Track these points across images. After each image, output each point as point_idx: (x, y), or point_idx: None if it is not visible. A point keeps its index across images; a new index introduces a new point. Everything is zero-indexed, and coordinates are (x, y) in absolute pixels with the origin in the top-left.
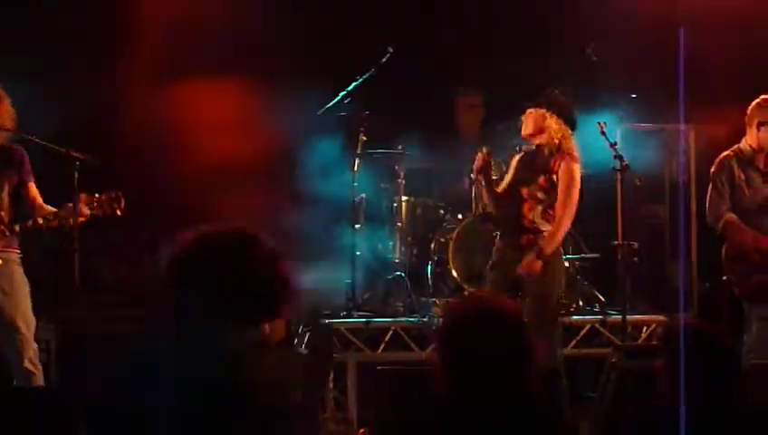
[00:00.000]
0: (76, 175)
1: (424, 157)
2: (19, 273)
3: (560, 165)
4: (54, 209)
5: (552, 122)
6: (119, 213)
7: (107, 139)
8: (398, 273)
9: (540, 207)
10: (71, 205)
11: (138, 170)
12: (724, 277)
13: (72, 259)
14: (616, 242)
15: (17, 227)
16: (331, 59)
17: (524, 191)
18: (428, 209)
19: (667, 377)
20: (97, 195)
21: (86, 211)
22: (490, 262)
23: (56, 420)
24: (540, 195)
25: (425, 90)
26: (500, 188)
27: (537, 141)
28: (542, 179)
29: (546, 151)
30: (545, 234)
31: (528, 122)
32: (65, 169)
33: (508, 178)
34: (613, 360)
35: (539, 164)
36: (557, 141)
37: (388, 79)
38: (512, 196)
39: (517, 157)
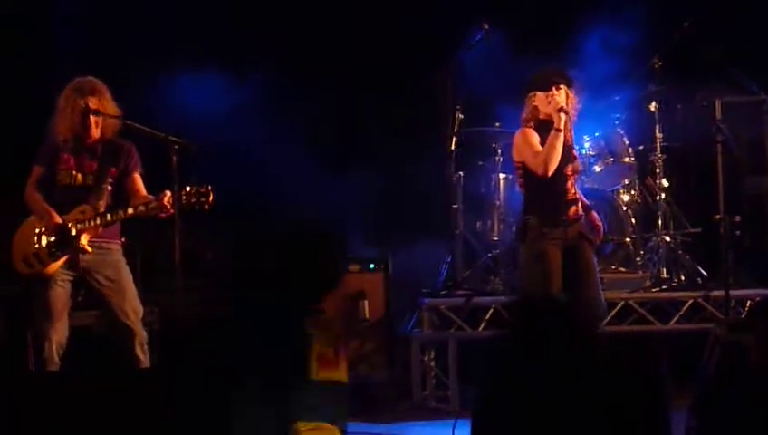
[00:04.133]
0: (174, 159)
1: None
2: (123, 261)
3: None
4: (151, 198)
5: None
6: (206, 208)
7: None
8: (497, 251)
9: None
10: (161, 196)
11: None
12: None
13: (172, 245)
14: (718, 216)
15: (108, 216)
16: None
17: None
18: None
19: (761, 351)
20: (188, 188)
21: (169, 208)
22: None
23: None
24: None
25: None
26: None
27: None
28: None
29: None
30: None
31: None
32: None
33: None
34: (716, 334)
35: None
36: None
37: (483, 56)
38: None
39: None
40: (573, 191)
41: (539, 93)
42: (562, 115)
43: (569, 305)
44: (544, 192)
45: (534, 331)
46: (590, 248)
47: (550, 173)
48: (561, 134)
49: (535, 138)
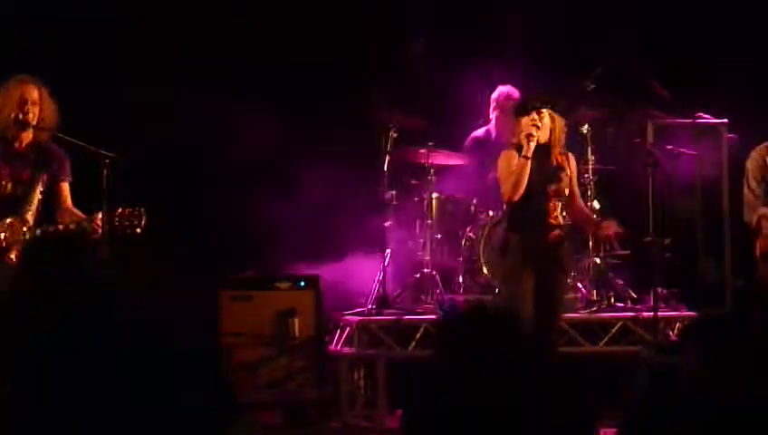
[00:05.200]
0: (105, 174)
1: (455, 153)
2: None
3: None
4: (82, 216)
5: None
6: (138, 232)
7: None
8: (429, 270)
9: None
10: (93, 217)
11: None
12: (758, 273)
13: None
14: (647, 238)
15: (38, 232)
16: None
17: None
18: (459, 206)
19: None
20: (119, 209)
21: (99, 230)
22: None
23: None
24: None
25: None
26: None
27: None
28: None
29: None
30: None
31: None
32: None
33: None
34: (644, 356)
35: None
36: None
37: (417, 74)
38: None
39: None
40: (556, 214)
41: (523, 118)
42: (532, 142)
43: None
44: (526, 212)
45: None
46: (564, 278)
47: (515, 198)
48: (528, 161)
49: (514, 161)
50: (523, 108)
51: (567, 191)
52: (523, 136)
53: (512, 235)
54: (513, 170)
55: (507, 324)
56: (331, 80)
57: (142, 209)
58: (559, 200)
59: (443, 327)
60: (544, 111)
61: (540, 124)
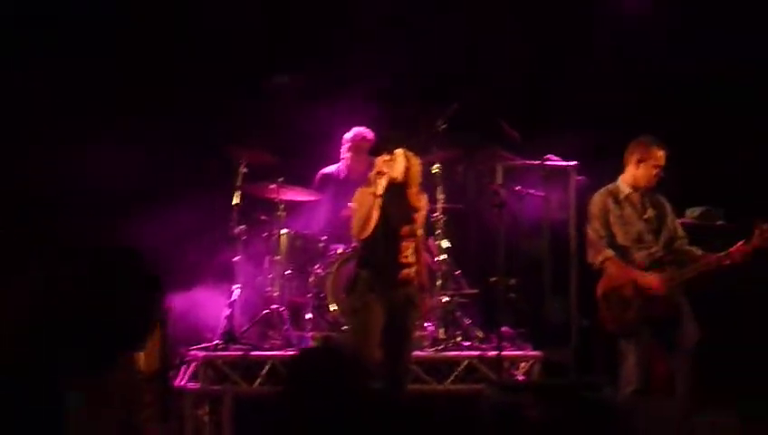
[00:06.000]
0: None
1: (305, 189)
2: None
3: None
4: None
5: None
6: None
7: None
8: (277, 306)
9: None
10: None
11: None
12: (600, 313)
13: None
14: (493, 278)
15: None
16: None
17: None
18: (308, 242)
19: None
20: None
21: None
22: None
23: None
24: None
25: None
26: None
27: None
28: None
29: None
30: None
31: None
32: None
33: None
34: (488, 395)
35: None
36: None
37: (269, 111)
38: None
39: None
40: (407, 254)
41: (378, 157)
42: (382, 180)
43: (354, 361)
44: (378, 250)
45: (311, 386)
46: (415, 316)
47: (362, 236)
48: (379, 199)
49: (366, 198)
50: (378, 147)
51: (420, 232)
52: (374, 174)
53: (361, 271)
54: (363, 207)
55: (353, 362)
56: (185, 114)
57: None
58: (411, 240)
59: (291, 364)
60: (399, 150)
61: (392, 163)
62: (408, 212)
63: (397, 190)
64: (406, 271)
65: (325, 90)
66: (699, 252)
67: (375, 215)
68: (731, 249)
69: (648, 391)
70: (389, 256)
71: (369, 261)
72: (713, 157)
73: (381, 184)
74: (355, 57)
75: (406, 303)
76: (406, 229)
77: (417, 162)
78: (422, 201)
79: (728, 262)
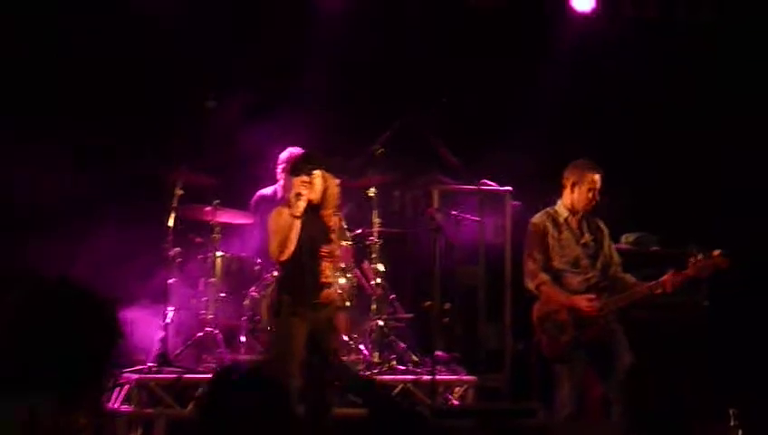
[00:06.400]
0: None
1: (241, 211)
2: None
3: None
4: None
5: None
6: None
7: None
8: (211, 329)
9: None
10: None
11: None
12: (535, 338)
13: None
14: (428, 302)
15: None
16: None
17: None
18: (243, 265)
19: None
20: None
21: None
22: None
23: None
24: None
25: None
26: None
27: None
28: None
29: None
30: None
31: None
32: None
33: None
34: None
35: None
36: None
37: (206, 132)
38: None
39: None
40: (328, 274)
41: (295, 178)
42: (301, 202)
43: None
44: (297, 272)
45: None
46: (335, 338)
47: (282, 258)
48: (297, 221)
49: (282, 218)
50: (296, 167)
51: (338, 252)
52: (292, 195)
53: (283, 296)
54: (282, 229)
55: (273, 387)
56: (120, 136)
57: None
58: (330, 260)
59: (209, 388)
60: (317, 171)
61: (310, 185)
62: (325, 232)
63: (314, 211)
64: (326, 292)
65: (263, 111)
66: (633, 280)
67: (294, 236)
68: (662, 279)
69: (583, 415)
70: (310, 278)
71: (289, 284)
72: (649, 182)
73: (300, 206)
74: (292, 79)
75: (328, 325)
76: (325, 250)
77: (334, 184)
78: (334, 221)
79: (660, 291)
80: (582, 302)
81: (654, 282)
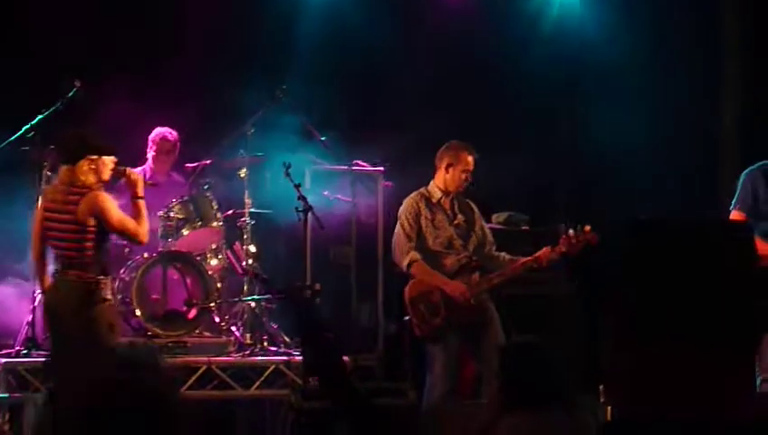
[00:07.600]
0: None
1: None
2: None
3: None
4: None
5: None
6: None
7: None
8: None
9: None
10: None
11: None
12: (407, 318)
13: None
14: (300, 283)
15: None
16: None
17: None
18: (113, 246)
19: None
20: None
21: None
22: None
23: None
24: None
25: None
26: None
27: None
28: None
29: None
30: None
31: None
32: None
33: None
34: (290, 401)
35: None
36: None
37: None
38: None
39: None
40: None
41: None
42: (139, 182)
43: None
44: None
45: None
46: None
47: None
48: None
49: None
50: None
51: None
52: (129, 179)
53: (103, 280)
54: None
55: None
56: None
57: None
58: None
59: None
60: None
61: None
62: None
63: None
64: None
65: (135, 91)
66: (507, 257)
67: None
68: (537, 254)
69: (456, 394)
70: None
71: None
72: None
73: (140, 185)
74: (163, 59)
75: None
76: None
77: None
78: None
79: (535, 267)
80: (453, 286)
81: (529, 258)
